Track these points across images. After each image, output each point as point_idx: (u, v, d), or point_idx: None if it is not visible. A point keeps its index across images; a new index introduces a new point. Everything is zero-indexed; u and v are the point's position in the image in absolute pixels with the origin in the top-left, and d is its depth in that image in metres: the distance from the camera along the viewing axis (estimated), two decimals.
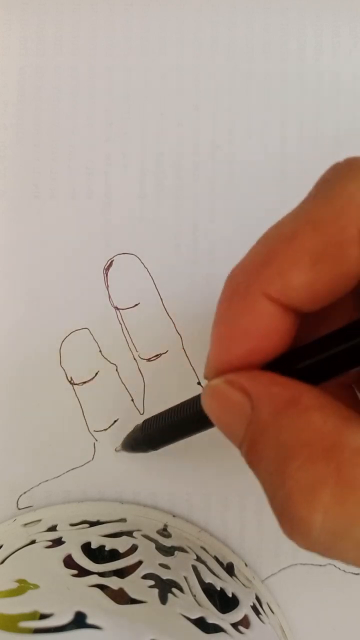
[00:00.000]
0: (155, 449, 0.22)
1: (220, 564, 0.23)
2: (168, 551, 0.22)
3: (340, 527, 0.12)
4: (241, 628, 0.20)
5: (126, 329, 0.25)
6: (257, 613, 0.22)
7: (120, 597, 0.18)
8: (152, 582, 0.20)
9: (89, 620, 0.16)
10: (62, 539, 0.22)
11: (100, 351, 0.25)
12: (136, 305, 0.25)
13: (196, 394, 0.19)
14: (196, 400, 0.19)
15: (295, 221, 0.14)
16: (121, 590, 0.19)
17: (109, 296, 0.25)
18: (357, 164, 0.13)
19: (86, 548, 0.21)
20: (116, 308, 0.25)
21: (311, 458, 0.12)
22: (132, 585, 0.19)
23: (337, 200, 0.13)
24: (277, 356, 0.15)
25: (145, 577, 0.20)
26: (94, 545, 0.22)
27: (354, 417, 0.13)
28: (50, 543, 0.22)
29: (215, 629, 0.19)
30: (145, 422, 0.22)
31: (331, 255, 0.13)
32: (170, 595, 0.19)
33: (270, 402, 0.14)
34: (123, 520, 0.24)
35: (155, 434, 0.21)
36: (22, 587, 0.19)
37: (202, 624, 0.19)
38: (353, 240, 0.13)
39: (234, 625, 0.20)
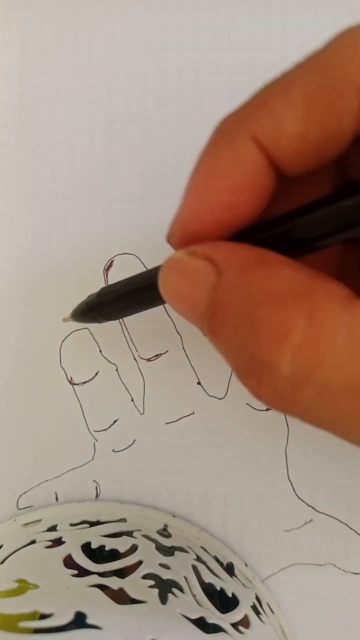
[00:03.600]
0: (107, 318, 0.22)
1: (220, 564, 0.23)
2: (168, 551, 0.22)
3: (307, 368, 0.11)
4: (241, 628, 0.20)
5: (126, 329, 0.25)
6: (257, 613, 0.22)
7: (120, 597, 0.18)
8: (152, 582, 0.20)
9: (89, 620, 0.16)
10: (62, 539, 0.22)
11: (100, 351, 0.25)
12: None
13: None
14: (157, 270, 0.18)
15: (297, 65, 0.13)
16: (121, 590, 0.19)
17: None
18: None
19: (86, 548, 0.21)
20: None
21: (282, 303, 0.12)
22: (132, 585, 0.19)
23: (346, 49, 0.12)
24: (243, 228, 0.14)
25: (145, 577, 0.20)
26: (94, 545, 0.22)
27: (324, 275, 0.13)
28: (50, 543, 0.22)
29: (215, 629, 0.19)
30: (103, 289, 0.22)
31: (327, 100, 0.12)
32: (170, 595, 0.19)
33: (238, 262, 0.13)
34: (123, 520, 0.24)
35: (110, 301, 0.21)
36: (22, 587, 0.19)
37: (202, 624, 0.19)
38: (354, 88, 0.12)
39: (234, 625, 0.20)
